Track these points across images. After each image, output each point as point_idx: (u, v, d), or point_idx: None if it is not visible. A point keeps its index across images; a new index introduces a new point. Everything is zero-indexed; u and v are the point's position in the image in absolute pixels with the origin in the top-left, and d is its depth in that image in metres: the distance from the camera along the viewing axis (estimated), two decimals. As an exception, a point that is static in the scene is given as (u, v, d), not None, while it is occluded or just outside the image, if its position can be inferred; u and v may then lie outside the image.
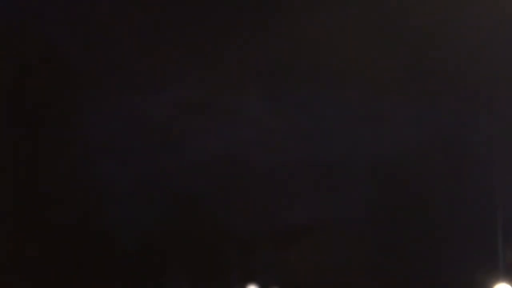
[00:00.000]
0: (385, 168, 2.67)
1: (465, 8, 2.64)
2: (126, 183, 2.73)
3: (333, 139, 2.71)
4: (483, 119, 2.59)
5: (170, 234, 2.64)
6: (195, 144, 2.74)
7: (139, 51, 2.74)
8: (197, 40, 2.73)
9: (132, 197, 2.70)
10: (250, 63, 2.71)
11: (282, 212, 2.66)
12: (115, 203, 2.70)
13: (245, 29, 2.69)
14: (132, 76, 2.75)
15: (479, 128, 2.66)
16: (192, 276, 2.52)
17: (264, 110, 2.72)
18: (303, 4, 2.73)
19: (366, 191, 2.68)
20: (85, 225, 2.58)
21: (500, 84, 2.58)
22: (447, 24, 2.67)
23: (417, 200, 2.55)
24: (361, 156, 2.72)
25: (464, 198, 2.63)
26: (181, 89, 2.74)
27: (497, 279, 3.12)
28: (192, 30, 2.69)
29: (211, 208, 2.69)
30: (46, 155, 2.68)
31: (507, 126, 2.55)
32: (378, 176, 2.69)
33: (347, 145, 2.68)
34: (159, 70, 2.74)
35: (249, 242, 2.58)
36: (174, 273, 2.53)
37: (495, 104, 2.55)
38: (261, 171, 2.73)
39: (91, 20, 2.70)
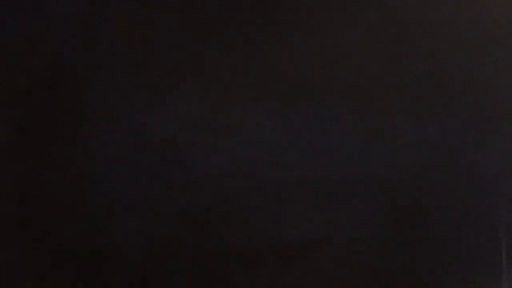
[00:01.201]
0: (392, 186, 2.69)
1: (479, 27, 2.68)
2: (129, 197, 2.72)
3: (339, 156, 2.73)
4: (492, 139, 2.62)
5: (172, 248, 2.64)
6: (199, 160, 2.75)
7: (145, 67, 2.74)
8: (202, 56, 2.74)
9: (135, 212, 2.70)
10: (256, 78, 2.72)
11: (287, 229, 2.67)
12: (118, 218, 2.69)
13: (251, 44, 2.70)
14: (137, 92, 2.75)
15: (486, 148, 2.69)
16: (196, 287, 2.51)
17: (269, 126, 2.73)
18: (311, 20, 2.75)
19: (373, 209, 2.70)
20: (88, 239, 2.57)
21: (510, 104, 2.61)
22: (458, 44, 2.70)
23: (424, 218, 2.57)
24: (368, 173, 2.73)
25: (471, 216, 2.65)
26: (186, 104, 2.75)
27: None
28: (198, 46, 2.70)
29: (215, 223, 2.69)
30: (50, 168, 2.67)
31: None
32: (385, 194, 2.70)
33: (354, 162, 2.70)
34: (165, 86, 2.74)
35: (253, 258, 2.58)
36: (178, 284, 2.52)
37: (504, 125, 2.58)
38: (266, 187, 2.74)
39: (97, 36, 2.70)
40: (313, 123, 2.63)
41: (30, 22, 2.56)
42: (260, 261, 2.61)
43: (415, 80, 2.63)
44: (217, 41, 2.62)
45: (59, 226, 2.64)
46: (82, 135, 2.67)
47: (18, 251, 2.45)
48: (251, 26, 2.59)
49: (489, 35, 2.66)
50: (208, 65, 2.67)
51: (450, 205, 2.65)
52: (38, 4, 2.63)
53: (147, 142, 2.70)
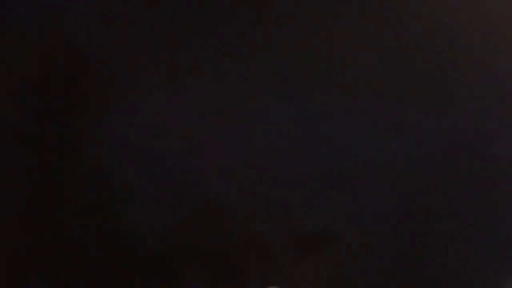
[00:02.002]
0: (409, 177, 2.68)
1: (487, 10, 2.65)
2: (148, 186, 2.75)
3: (354, 146, 2.72)
4: (509, 127, 2.59)
5: (190, 237, 2.66)
6: (216, 149, 2.76)
7: (162, 56, 2.76)
8: (218, 46, 2.75)
9: (153, 200, 2.72)
10: (272, 68, 2.73)
11: (303, 218, 2.67)
12: (136, 206, 2.72)
13: (266, 35, 2.71)
14: (154, 81, 2.77)
15: (504, 137, 2.66)
16: (212, 279, 2.53)
17: (285, 116, 2.73)
18: (325, 10, 2.75)
19: (389, 200, 2.69)
20: (106, 227, 2.60)
21: None
22: (467, 28, 2.67)
23: (439, 210, 2.55)
24: (382, 164, 2.72)
25: (488, 209, 2.63)
26: (202, 94, 2.76)
27: None
28: (214, 36, 2.71)
29: (231, 212, 2.70)
30: (66, 158, 2.70)
31: None
32: (401, 185, 2.69)
33: (369, 153, 2.69)
34: (181, 75, 2.75)
35: (269, 247, 2.59)
36: (194, 276, 2.54)
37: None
38: (283, 176, 2.74)
39: (115, 24, 2.73)
40: (328, 113, 2.63)
41: (44, 10, 2.59)
42: (276, 250, 2.61)
43: (429, 69, 2.61)
44: (232, 31, 2.64)
45: (76, 215, 2.67)
46: (98, 124, 2.70)
47: (33, 240, 2.48)
48: (266, 16, 2.60)
49: (506, 24, 2.63)
50: (224, 55, 2.69)
51: (468, 197, 2.64)
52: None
53: (164, 131, 2.73)
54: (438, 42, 2.59)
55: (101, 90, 2.61)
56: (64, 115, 2.75)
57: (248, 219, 2.59)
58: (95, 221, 2.60)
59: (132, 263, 2.68)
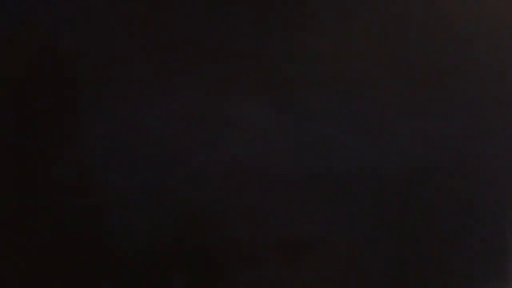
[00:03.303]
0: (397, 182, 2.69)
1: (479, 17, 2.68)
2: (129, 194, 2.74)
3: (340, 151, 2.73)
4: (497, 134, 2.61)
5: (174, 244, 2.64)
6: (199, 155, 2.76)
7: (145, 62, 2.76)
8: (201, 50, 2.75)
9: (134, 208, 2.71)
10: (255, 73, 2.74)
11: (290, 225, 2.68)
12: (117, 214, 2.70)
13: (249, 39, 2.72)
14: (136, 87, 2.77)
15: (490, 141, 2.68)
16: (196, 286, 2.51)
17: (270, 121, 2.74)
18: (309, 14, 2.77)
19: (378, 205, 2.70)
20: (88, 234, 2.58)
21: None
22: (461, 36, 2.70)
23: (426, 215, 2.55)
24: (372, 169, 2.74)
25: (476, 214, 2.65)
26: (185, 99, 2.77)
27: None
28: (196, 41, 2.72)
29: (216, 218, 2.70)
30: (49, 163, 2.68)
31: None
32: (389, 190, 2.71)
33: (358, 158, 2.70)
34: (164, 81, 2.76)
35: (256, 254, 2.58)
36: (178, 282, 2.51)
37: (507, 115, 2.56)
38: (268, 183, 2.75)
39: (97, 29, 2.73)
40: (314, 118, 2.64)
41: (27, 9, 2.59)
42: (263, 257, 2.61)
43: (416, 75, 2.64)
44: (215, 36, 2.64)
45: (56, 223, 2.66)
46: (79, 129, 2.70)
47: (17, 248, 2.45)
48: (250, 20, 2.61)
49: (492, 28, 2.66)
50: (207, 60, 2.69)
51: (454, 201, 2.66)
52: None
53: (146, 137, 2.73)
54: (424, 47, 2.59)
55: (83, 95, 2.58)
56: (47, 119, 2.72)
57: (234, 225, 2.57)
58: (78, 227, 2.57)
59: (114, 269, 2.66)
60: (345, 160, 2.68)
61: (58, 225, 2.64)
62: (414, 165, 2.65)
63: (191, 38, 2.65)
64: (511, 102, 2.78)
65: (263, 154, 2.58)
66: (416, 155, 2.69)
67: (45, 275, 2.64)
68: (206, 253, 2.54)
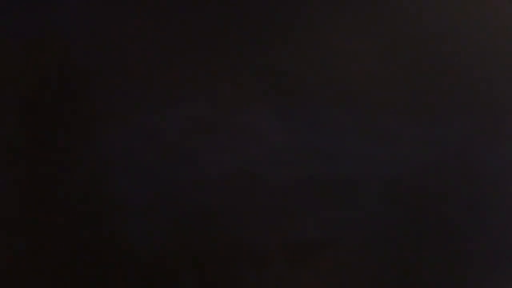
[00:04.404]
0: (399, 187, 2.75)
1: (481, 24, 2.73)
2: (140, 198, 2.81)
3: (347, 157, 2.79)
4: (501, 138, 2.66)
5: (183, 247, 2.71)
6: (207, 160, 2.83)
7: (156, 69, 2.83)
8: (209, 58, 2.82)
9: (145, 213, 2.78)
10: (264, 80, 2.80)
11: (295, 229, 2.74)
12: (128, 218, 2.78)
13: (255, 48, 2.79)
14: (147, 94, 2.84)
15: (493, 146, 2.73)
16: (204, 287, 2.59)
17: (277, 127, 2.80)
18: (312, 22, 2.83)
19: (381, 210, 2.76)
20: (99, 237, 2.66)
21: None
22: (458, 40, 2.75)
23: (433, 219, 2.62)
24: (375, 174, 2.80)
25: (481, 218, 2.70)
26: (194, 106, 2.84)
27: None
28: (206, 49, 2.78)
29: (223, 222, 2.77)
30: (60, 170, 2.76)
31: None
32: (392, 194, 2.77)
33: (361, 163, 2.76)
34: (173, 88, 2.83)
35: (261, 257, 2.65)
36: (188, 285, 2.60)
37: (510, 121, 2.61)
38: (275, 187, 2.81)
39: (108, 38, 2.81)
40: (320, 124, 2.70)
41: (40, 23, 2.67)
42: (269, 260, 2.68)
43: (419, 79, 2.69)
44: (226, 45, 2.73)
45: (69, 226, 2.73)
46: (92, 136, 2.78)
47: (25, 251, 2.54)
48: (260, 30, 2.69)
49: (497, 30, 2.71)
50: (217, 68, 2.77)
51: (459, 205, 2.71)
52: (49, 5, 2.75)
53: (157, 143, 2.80)
54: (430, 55, 2.66)
55: (94, 102, 2.67)
56: (61, 127, 2.81)
57: (242, 229, 2.65)
58: (91, 230, 2.65)
59: (123, 271, 2.74)
60: (350, 165, 2.75)
61: (72, 228, 2.73)
62: (418, 170, 2.72)
63: (201, 51, 2.74)
64: None
65: (269, 160, 2.66)
66: (420, 161, 2.75)
67: (59, 276, 2.72)
68: (214, 255, 2.62)
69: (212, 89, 2.66)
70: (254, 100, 2.67)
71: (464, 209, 2.64)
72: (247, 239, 2.64)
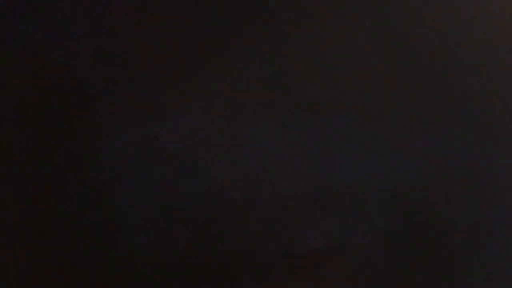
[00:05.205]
0: (400, 196, 2.78)
1: (481, 33, 2.77)
2: (141, 208, 2.85)
3: (346, 167, 2.83)
4: (497, 147, 2.70)
5: (186, 257, 2.75)
6: (209, 171, 2.87)
7: (157, 81, 2.88)
8: (215, 73, 2.86)
9: (146, 222, 2.82)
10: (263, 92, 2.84)
11: (297, 239, 2.78)
12: (129, 227, 2.82)
13: (256, 60, 2.83)
14: (148, 104, 2.88)
15: (492, 155, 2.77)
16: None
17: (276, 138, 2.84)
18: (312, 34, 2.87)
19: (382, 219, 2.79)
20: (104, 245, 2.70)
21: None
22: (462, 53, 2.79)
23: (435, 227, 2.65)
24: (375, 184, 2.83)
25: (477, 225, 2.73)
26: (196, 118, 2.88)
27: None
28: (208, 60, 2.83)
29: (225, 233, 2.80)
30: (62, 179, 2.80)
31: None
32: (393, 203, 2.80)
33: (361, 173, 2.80)
34: (175, 100, 2.87)
35: (263, 267, 2.68)
36: None
37: (508, 134, 2.66)
38: (275, 197, 2.85)
39: (110, 50, 2.85)
40: (319, 135, 2.75)
41: (44, 34, 2.73)
42: (271, 270, 2.71)
43: (419, 92, 2.74)
44: (228, 60, 2.78)
45: (71, 235, 2.77)
46: (94, 145, 2.82)
47: (28, 259, 2.59)
48: (262, 45, 2.74)
49: (492, 40, 2.75)
50: (218, 79, 2.81)
51: (458, 212, 2.74)
52: (53, 17, 2.80)
53: (159, 154, 2.84)
54: (431, 70, 2.71)
55: (98, 114, 2.72)
56: (58, 137, 2.86)
57: (245, 238, 2.69)
58: (91, 239, 2.70)
59: (125, 277, 2.78)
60: (351, 174, 2.79)
61: (75, 235, 2.76)
62: (419, 179, 2.75)
63: (205, 62, 2.78)
64: None
65: (272, 170, 2.70)
66: (420, 170, 2.79)
67: (63, 278, 2.74)
68: (216, 264, 2.65)
69: (214, 102, 2.72)
70: (255, 112, 2.73)
71: (462, 216, 2.68)
72: (249, 249, 2.67)
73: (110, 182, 2.69)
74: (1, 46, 2.66)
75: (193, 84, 2.79)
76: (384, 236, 2.65)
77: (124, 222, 2.71)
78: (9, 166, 2.67)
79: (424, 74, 2.74)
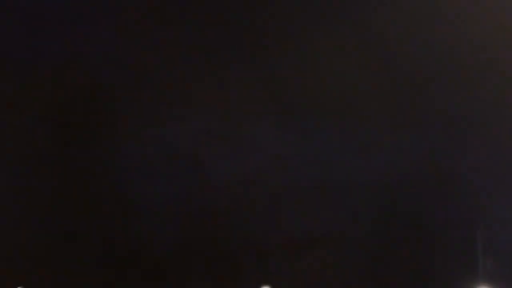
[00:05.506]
0: (382, 190, 3.08)
1: (456, 39, 3.05)
2: (155, 201, 3.15)
3: (336, 164, 3.13)
4: (470, 147, 3.00)
5: (194, 243, 3.06)
6: (215, 167, 3.16)
7: (170, 89, 3.18)
8: (220, 81, 3.17)
9: (161, 212, 3.12)
10: (263, 98, 3.14)
11: (292, 227, 3.08)
12: (146, 218, 3.12)
13: (259, 70, 3.13)
14: (161, 109, 3.19)
15: (465, 155, 3.07)
16: (214, 279, 2.94)
17: (275, 138, 3.14)
18: (308, 49, 3.18)
19: (366, 210, 3.10)
20: (121, 234, 3.02)
21: (487, 114, 2.97)
22: (436, 62, 3.10)
23: (410, 217, 2.97)
24: (361, 179, 3.13)
25: (450, 216, 3.05)
26: (202, 121, 3.17)
27: (478, 283, 3.58)
28: (216, 73, 3.14)
29: (230, 222, 3.10)
30: (87, 175, 3.11)
31: (490, 153, 2.94)
32: (376, 196, 3.10)
33: (349, 169, 3.10)
34: (185, 105, 3.18)
35: (263, 250, 3.00)
36: (198, 277, 2.95)
37: (480, 135, 2.97)
38: (273, 191, 3.15)
39: (128, 62, 3.15)
40: (312, 136, 3.05)
41: (71, 49, 3.01)
42: (272, 253, 3.02)
43: (402, 99, 3.04)
44: (232, 67, 3.07)
45: (95, 225, 3.09)
46: (115, 146, 3.12)
47: (58, 240, 2.90)
48: (261, 54, 3.04)
49: (465, 46, 3.07)
50: (224, 88, 3.10)
51: (434, 206, 3.07)
52: (78, 34, 3.08)
53: (170, 152, 3.12)
54: (408, 80, 3.03)
55: (117, 117, 3.02)
56: (84, 139, 3.14)
57: (247, 226, 2.98)
58: (110, 227, 2.98)
59: (143, 264, 3.06)
60: (341, 172, 3.12)
61: (96, 223, 3.09)
62: (400, 176, 3.09)
63: (211, 71, 3.11)
64: (484, 122, 3.22)
65: (271, 167, 3.03)
66: (401, 168, 3.13)
67: (85, 260, 3.08)
68: (223, 249, 2.98)
69: (219, 106, 3.02)
70: (255, 116, 3.02)
71: (435, 207, 3.00)
72: (250, 236, 2.97)
73: (127, 176, 3.01)
74: (34, 60, 2.98)
75: (200, 92, 3.11)
76: (367, 225, 2.98)
77: (138, 210, 3.02)
78: (40, 159, 2.99)
79: (405, 84, 3.07)
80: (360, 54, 3.11)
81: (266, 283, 2.96)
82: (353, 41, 3.07)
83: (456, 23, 3.11)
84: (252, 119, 3.20)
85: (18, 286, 3.57)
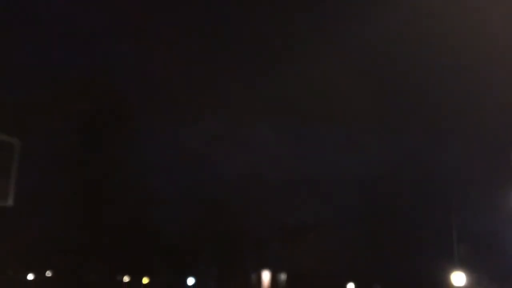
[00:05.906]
0: (367, 185, 3.59)
1: (437, 59, 3.62)
2: (169, 192, 3.65)
3: (327, 162, 3.64)
4: (446, 147, 3.50)
5: (201, 230, 3.57)
6: (221, 164, 3.68)
7: (182, 95, 3.71)
8: (224, 88, 3.71)
9: (173, 203, 3.63)
10: (264, 103, 3.67)
11: (287, 217, 3.58)
12: (161, 207, 3.64)
13: (261, 76, 3.68)
14: (176, 113, 3.71)
15: (441, 155, 3.58)
16: (218, 263, 3.39)
17: (273, 139, 3.66)
18: (305, 57, 3.71)
19: (352, 202, 3.60)
20: (137, 223, 3.51)
21: (465, 117, 3.47)
22: (418, 68, 3.64)
23: (392, 208, 3.44)
24: (348, 175, 3.64)
25: (428, 207, 3.53)
26: (211, 123, 3.70)
27: (453, 268, 3.89)
28: (222, 80, 3.68)
29: (233, 212, 3.63)
30: (110, 173, 3.63)
31: (465, 153, 3.40)
32: (361, 191, 3.61)
33: (339, 167, 3.60)
34: (195, 109, 3.70)
35: (262, 237, 3.48)
36: (204, 261, 3.39)
37: (456, 136, 3.46)
38: (271, 185, 3.66)
39: (145, 72, 3.68)
40: (306, 137, 3.58)
41: (98, 63, 3.58)
42: (269, 239, 3.54)
43: (383, 102, 3.57)
44: (236, 77, 3.66)
45: (116, 215, 3.61)
46: (134, 147, 3.66)
47: (82, 226, 3.38)
48: (263, 64, 3.66)
49: (446, 51, 3.60)
50: (228, 94, 3.68)
51: (413, 200, 3.58)
52: (104, 51, 3.67)
53: (183, 151, 3.66)
54: (394, 86, 3.53)
55: (136, 122, 3.51)
56: (106, 142, 3.62)
57: (247, 216, 3.45)
58: (129, 218, 3.44)
59: (156, 250, 3.54)
60: (331, 169, 3.70)
61: (120, 215, 3.75)
62: (382, 172, 3.67)
63: (217, 78, 3.72)
64: (460, 124, 3.86)
65: (268, 164, 3.60)
66: (383, 165, 3.70)
67: (104, 254, 3.74)
68: (225, 236, 3.58)
69: (226, 111, 3.52)
70: (257, 119, 3.53)
71: (414, 200, 3.47)
72: (251, 224, 3.46)
73: (146, 171, 3.51)
74: (66, 74, 3.54)
75: (208, 98, 3.64)
76: (352, 216, 3.47)
77: (154, 202, 3.53)
78: (68, 159, 3.56)
79: (386, 89, 3.61)
80: (347, 62, 3.61)
81: (265, 267, 3.41)
82: (338, 57, 3.56)
83: (437, 27, 3.63)
84: (252, 123, 3.72)
85: (47, 270, 4.00)
